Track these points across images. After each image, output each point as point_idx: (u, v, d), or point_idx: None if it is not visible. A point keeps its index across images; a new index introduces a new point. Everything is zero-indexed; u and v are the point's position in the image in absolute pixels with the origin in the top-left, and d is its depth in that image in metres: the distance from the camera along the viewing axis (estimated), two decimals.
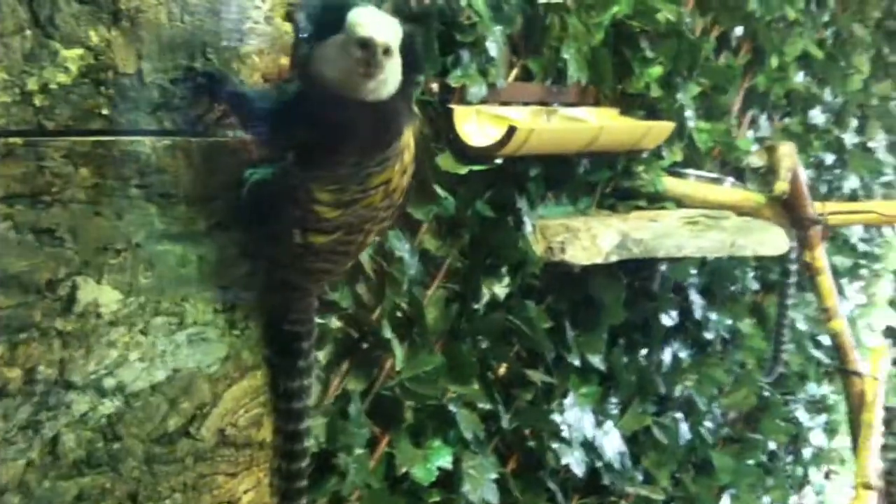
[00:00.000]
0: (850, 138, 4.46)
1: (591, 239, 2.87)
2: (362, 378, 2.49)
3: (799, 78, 4.06)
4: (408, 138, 1.79)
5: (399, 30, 1.68)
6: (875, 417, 3.16)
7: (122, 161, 1.63)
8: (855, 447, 3.29)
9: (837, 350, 3.49)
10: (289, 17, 1.86)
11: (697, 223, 3.09)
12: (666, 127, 3.08)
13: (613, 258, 2.89)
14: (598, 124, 2.87)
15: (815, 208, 3.29)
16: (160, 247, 1.71)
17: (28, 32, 1.50)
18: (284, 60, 1.86)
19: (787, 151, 3.21)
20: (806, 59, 4.06)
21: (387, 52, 1.64)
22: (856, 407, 3.31)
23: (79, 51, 1.56)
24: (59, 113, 1.55)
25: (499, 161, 2.68)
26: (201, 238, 1.77)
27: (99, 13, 1.58)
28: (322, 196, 1.72)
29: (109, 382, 1.66)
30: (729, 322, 3.76)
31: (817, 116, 4.25)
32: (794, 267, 3.44)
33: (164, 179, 1.70)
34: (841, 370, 3.44)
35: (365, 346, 2.49)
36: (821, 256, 3.33)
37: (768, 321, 3.99)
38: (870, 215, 3.46)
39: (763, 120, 3.96)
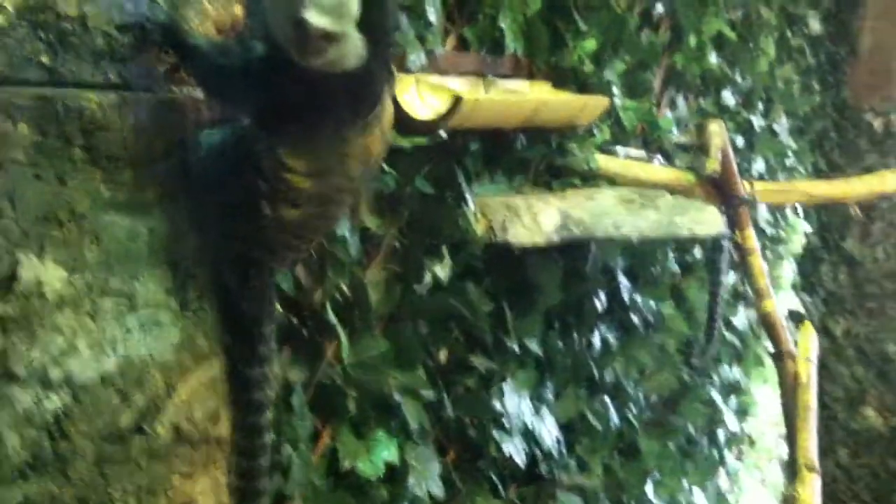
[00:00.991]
0: (757, 121, 4.50)
1: (532, 218, 2.77)
2: (304, 367, 2.31)
3: (713, 58, 4.06)
4: (386, 101, 1.62)
5: (354, 4, 1.44)
6: (812, 398, 3.16)
7: (65, 117, 1.42)
8: (790, 429, 3.28)
9: (769, 331, 3.48)
10: None
11: (633, 202, 3.02)
12: (601, 102, 3.00)
13: (555, 239, 2.79)
14: (539, 98, 2.76)
15: (744, 187, 3.27)
16: (106, 217, 1.49)
17: None
18: (238, 9, 1.66)
19: (717, 130, 3.18)
20: (719, 40, 4.06)
21: (328, 37, 1.43)
22: (789, 388, 3.30)
23: None
24: None
25: (443, 134, 2.53)
26: (151, 208, 1.56)
27: None
28: (293, 163, 1.53)
29: (56, 374, 1.43)
30: (652, 304, 3.71)
31: (728, 98, 4.26)
32: (725, 247, 3.41)
33: (110, 139, 1.48)
34: (774, 352, 3.43)
35: (305, 332, 2.31)
36: (751, 236, 3.31)
37: (687, 303, 3.97)
38: (796, 194, 3.46)
39: (680, 99, 3.93)
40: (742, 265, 3.51)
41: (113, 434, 1.52)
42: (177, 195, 1.58)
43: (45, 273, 1.41)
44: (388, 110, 1.63)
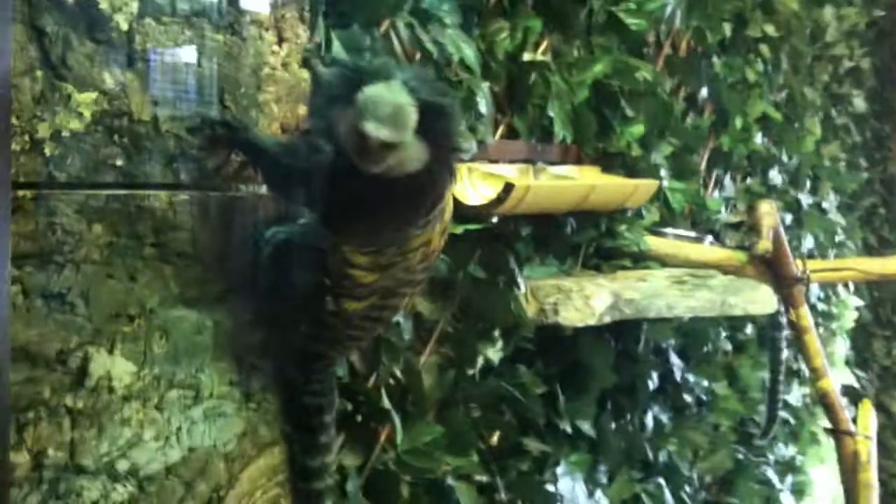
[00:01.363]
0: (805, 199, 4.48)
1: (583, 300, 2.77)
2: (358, 453, 2.32)
3: (759, 139, 4.07)
4: (447, 198, 1.65)
5: (411, 114, 1.50)
6: (872, 476, 3.09)
7: (137, 217, 1.47)
8: None
9: (827, 410, 3.42)
10: (305, 63, 1.72)
11: (685, 283, 3.01)
12: (651, 185, 3.01)
13: (607, 319, 2.78)
14: (590, 182, 2.79)
15: (797, 266, 3.25)
16: (175, 312, 1.53)
17: (39, 73, 1.34)
18: (302, 109, 1.71)
19: (768, 209, 3.17)
20: (764, 121, 4.08)
21: (387, 146, 1.48)
22: (849, 467, 3.23)
23: (92, 94, 1.40)
24: (71, 163, 1.38)
25: (494, 220, 2.56)
26: (217, 302, 1.60)
27: (113, 54, 1.42)
28: (358, 260, 1.57)
29: (122, 465, 1.46)
30: (705, 384, 3.67)
31: (775, 177, 4.26)
32: (783, 324, 3.38)
33: (180, 237, 1.53)
34: (832, 430, 3.37)
35: (359, 417, 2.32)
36: (806, 315, 3.28)
37: (740, 382, 3.92)
38: (850, 272, 3.43)
39: (727, 180, 3.94)
40: (797, 344, 3.47)
41: None
42: (243, 290, 1.61)
43: (114, 367, 1.45)
44: (449, 207, 1.66)
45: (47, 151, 1.35)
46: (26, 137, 1.32)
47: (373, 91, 1.48)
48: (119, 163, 1.44)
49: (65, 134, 1.37)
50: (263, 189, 1.66)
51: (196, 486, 1.57)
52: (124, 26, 1.42)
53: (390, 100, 1.49)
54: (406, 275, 1.62)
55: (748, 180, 4.12)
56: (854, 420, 3.41)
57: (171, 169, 1.52)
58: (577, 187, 2.75)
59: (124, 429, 1.46)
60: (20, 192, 1.31)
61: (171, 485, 1.53)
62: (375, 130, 1.45)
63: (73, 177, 1.38)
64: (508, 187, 2.47)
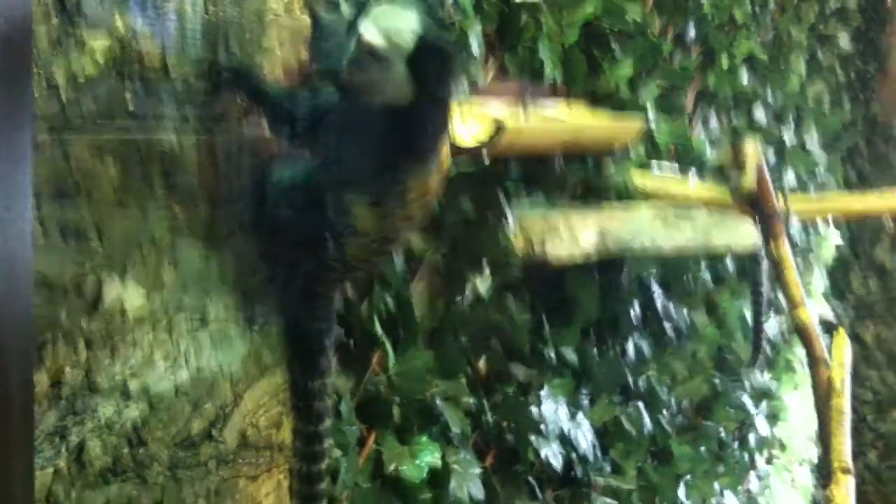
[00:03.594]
0: (789, 136, 4.54)
1: (570, 234, 2.85)
2: (351, 376, 2.42)
3: (745, 78, 4.12)
4: (443, 146, 1.72)
5: (407, 41, 1.55)
6: (845, 403, 3.21)
7: (149, 158, 1.54)
8: (823, 433, 3.33)
9: (803, 339, 3.53)
10: (307, 6, 1.78)
11: (669, 217, 3.09)
12: (636, 124, 3.07)
13: (592, 254, 2.87)
14: (578, 123, 2.85)
15: (778, 201, 3.33)
16: (183, 246, 1.61)
17: (55, 20, 1.40)
18: (304, 54, 1.77)
19: (753, 149, 3.24)
20: (751, 61, 4.12)
21: (372, 53, 1.55)
22: (823, 394, 3.35)
23: (105, 41, 1.46)
24: (87, 107, 1.45)
25: (486, 161, 2.62)
26: (223, 240, 1.68)
27: (125, 2, 1.48)
28: (359, 210, 1.64)
29: (134, 385, 1.56)
30: (685, 313, 3.78)
31: (760, 116, 4.31)
32: (763, 258, 3.48)
33: (188, 178, 1.60)
34: (808, 359, 3.49)
35: (352, 344, 2.41)
36: (785, 248, 3.37)
37: (719, 312, 4.03)
38: (831, 206, 3.51)
39: (713, 118, 3.99)
40: (776, 275, 3.57)
41: (185, 441, 1.64)
42: (247, 231, 1.69)
43: (126, 293, 1.53)
44: (445, 153, 1.73)
45: (63, 96, 1.41)
46: (43, 83, 1.39)
47: (382, 6, 1.56)
48: (131, 107, 1.51)
49: (80, 79, 1.43)
50: (268, 133, 1.72)
51: (203, 405, 1.67)
52: None
53: (392, 17, 1.56)
54: (404, 221, 1.70)
55: (733, 119, 4.17)
56: (829, 349, 3.52)
57: (181, 113, 1.58)
58: (567, 128, 2.81)
59: (136, 350, 1.55)
60: (39, 136, 1.38)
61: (179, 403, 1.63)
62: (366, 31, 1.52)
63: (89, 120, 1.45)
64: (499, 128, 2.53)
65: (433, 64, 1.59)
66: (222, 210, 1.66)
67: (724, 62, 3.87)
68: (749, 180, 3.24)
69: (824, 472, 3.45)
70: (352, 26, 1.57)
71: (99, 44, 1.45)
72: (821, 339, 3.50)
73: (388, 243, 1.76)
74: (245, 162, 1.68)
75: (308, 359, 1.82)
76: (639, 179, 3.24)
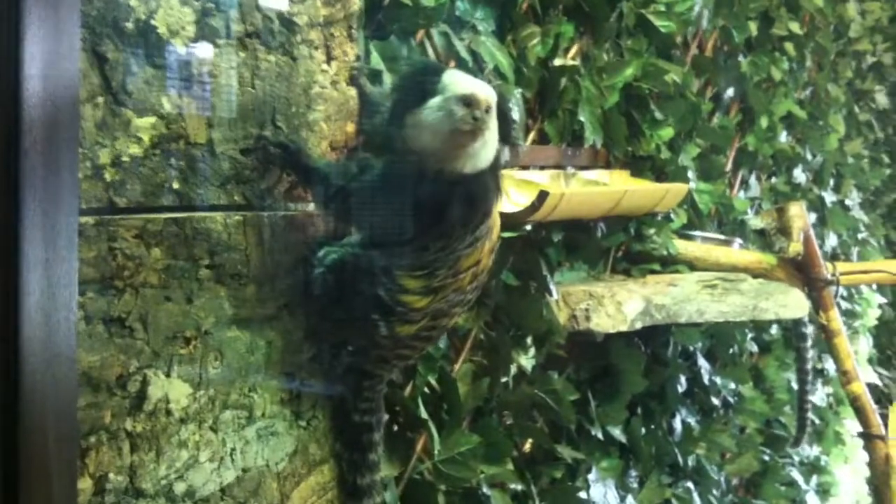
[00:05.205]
0: (828, 196, 4.49)
1: (615, 306, 2.78)
2: (395, 462, 2.33)
3: (783, 137, 4.08)
4: (495, 215, 1.67)
5: (495, 93, 1.55)
6: None
7: (194, 239, 1.48)
8: None
9: (858, 414, 3.43)
10: (353, 81, 1.74)
11: (716, 287, 3.02)
12: (682, 189, 3.02)
13: (638, 325, 2.80)
14: (622, 188, 2.80)
15: (827, 269, 3.26)
16: (229, 333, 1.55)
17: (100, 100, 1.35)
18: (350, 127, 1.73)
19: (798, 212, 3.18)
20: (789, 119, 4.08)
21: (488, 110, 1.51)
22: (881, 472, 3.24)
23: (151, 119, 1.42)
24: (131, 188, 1.40)
25: (527, 227, 2.57)
26: (270, 322, 1.62)
27: (171, 78, 1.43)
28: (409, 284, 1.58)
29: (180, 487, 1.48)
30: (732, 386, 3.69)
31: (799, 175, 4.26)
32: (810, 330, 3.39)
33: (235, 258, 1.55)
34: (864, 434, 3.38)
35: (396, 427, 2.33)
36: (836, 318, 3.29)
37: (766, 382, 3.94)
38: (881, 275, 3.44)
39: (752, 179, 3.95)
40: (828, 347, 3.48)
41: None
42: (294, 309, 1.63)
43: (172, 390, 1.46)
44: (497, 224, 1.68)
45: (108, 177, 1.36)
46: (88, 164, 1.34)
47: (455, 70, 1.53)
48: (176, 186, 1.46)
49: (125, 159, 1.38)
50: (315, 208, 1.67)
51: None
52: (182, 50, 1.44)
53: (472, 80, 1.56)
54: (457, 296, 1.64)
55: (773, 179, 4.13)
56: (885, 423, 3.42)
57: (226, 190, 1.53)
58: (609, 193, 2.76)
59: (181, 451, 1.48)
60: (83, 219, 1.32)
61: None
62: (479, 90, 1.47)
63: (133, 201, 1.40)
64: (543, 195, 2.48)
65: (510, 117, 1.56)
66: (268, 289, 1.60)
67: (764, 121, 3.83)
68: (796, 245, 3.17)
69: None
70: (417, 92, 1.52)
71: (144, 122, 1.40)
72: (876, 413, 3.40)
73: (440, 319, 1.69)
74: (292, 239, 1.63)
75: (357, 453, 1.74)
76: (681, 245, 3.18)
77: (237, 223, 1.54)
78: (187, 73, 1.45)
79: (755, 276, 3.20)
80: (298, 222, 1.65)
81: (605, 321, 2.76)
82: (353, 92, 1.74)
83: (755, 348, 3.91)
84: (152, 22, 1.40)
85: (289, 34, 1.60)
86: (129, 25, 1.37)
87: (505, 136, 1.61)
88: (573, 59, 2.86)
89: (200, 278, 1.50)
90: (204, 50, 1.46)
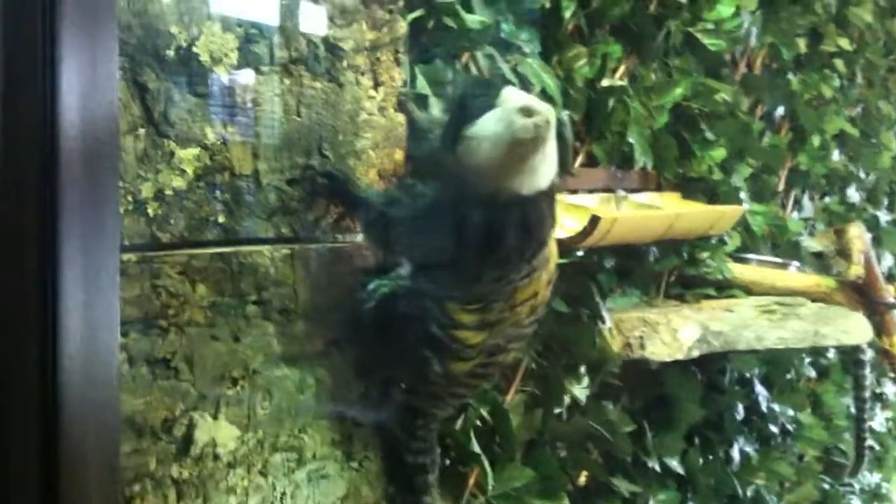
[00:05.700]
0: (883, 216, 4.35)
1: (671, 333, 2.68)
2: (448, 498, 2.24)
3: (835, 156, 3.95)
4: (552, 245, 1.58)
5: (553, 111, 1.46)
6: None
7: (240, 274, 1.41)
8: None
9: None
10: (401, 106, 1.66)
11: (774, 312, 2.91)
12: (736, 211, 2.92)
13: (695, 353, 2.69)
14: (675, 211, 2.70)
15: (889, 292, 3.12)
16: (277, 371, 1.48)
17: (141, 131, 1.29)
18: (399, 155, 1.65)
19: (858, 233, 3.05)
20: (841, 137, 3.96)
21: (548, 123, 1.42)
22: None
23: (194, 150, 1.35)
24: (174, 222, 1.33)
25: (580, 253, 2.49)
26: (319, 358, 1.54)
27: (214, 107, 1.37)
28: (464, 318, 1.49)
29: None
30: (790, 413, 3.56)
31: (853, 194, 4.13)
32: (868, 355, 3.25)
33: (282, 293, 1.47)
34: None
35: (447, 462, 2.25)
36: None
37: (824, 408, 3.80)
38: None
39: (805, 199, 3.82)
40: (891, 373, 3.34)
41: None
42: (344, 345, 1.55)
43: (219, 433, 1.39)
44: (554, 255, 1.59)
45: (150, 212, 1.30)
46: (129, 198, 1.27)
47: (511, 89, 1.46)
48: (221, 219, 1.39)
49: (168, 192, 1.32)
50: (363, 239, 1.59)
51: None
52: (224, 78, 1.37)
53: (530, 98, 1.47)
54: (514, 330, 1.55)
55: (826, 199, 4.00)
56: None
57: (272, 223, 1.46)
58: (662, 217, 2.66)
59: (230, 497, 1.40)
60: (125, 256, 1.25)
61: None
62: (538, 103, 1.39)
63: (177, 236, 1.33)
64: (594, 220, 2.39)
65: (567, 141, 1.48)
66: (317, 325, 1.52)
67: (815, 140, 3.71)
68: (856, 268, 3.05)
69: None
70: (474, 107, 1.44)
71: (187, 153, 1.34)
72: None
73: (496, 356, 1.60)
74: (340, 272, 1.55)
75: (411, 497, 1.65)
76: (736, 269, 3.07)
77: (284, 257, 1.47)
78: (231, 102, 1.38)
79: (814, 301, 3.08)
80: (347, 254, 1.57)
81: (661, 349, 2.66)
82: (400, 118, 1.66)
83: (813, 373, 3.77)
84: (194, 49, 1.34)
85: (334, 59, 1.53)
86: (171, 53, 1.31)
87: (563, 162, 1.51)
88: (620, 79, 2.77)
89: (247, 315, 1.43)
90: (247, 77, 1.39)
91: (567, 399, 2.55)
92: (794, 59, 3.62)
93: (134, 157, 1.27)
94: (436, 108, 1.90)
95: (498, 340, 1.53)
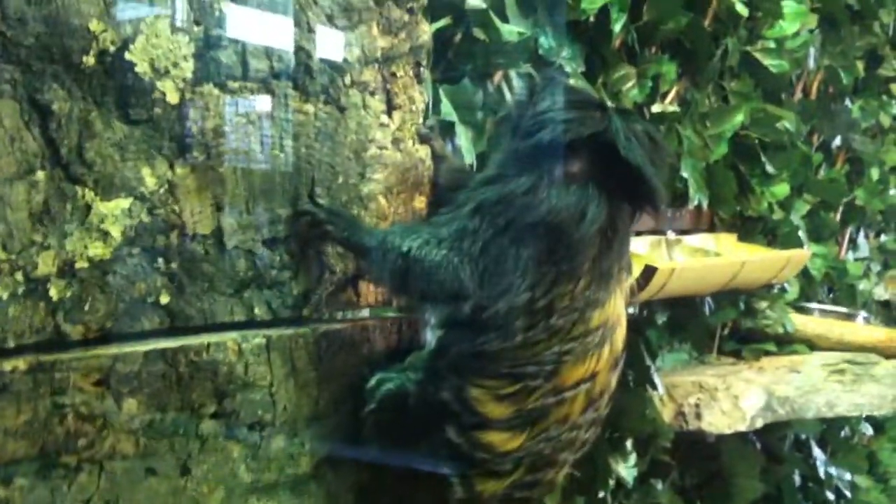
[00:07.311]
0: None
1: (731, 401, 2.22)
2: None
3: (893, 190, 3.48)
4: (620, 307, 1.12)
5: None
6: None
7: (191, 379, 0.94)
8: None
9: None
10: (423, 138, 1.20)
11: (845, 372, 2.44)
12: (802, 257, 2.47)
13: (759, 423, 2.23)
14: (739, 258, 2.24)
15: None
16: None
17: (40, 175, 0.83)
18: (420, 202, 1.18)
19: None
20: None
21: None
22: None
23: (124, 202, 0.89)
24: (91, 309, 0.87)
25: (631, 310, 2.02)
26: (306, 484, 1.07)
27: (156, 139, 0.91)
28: (494, 411, 1.02)
29: None
30: (847, 477, 3.08)
31: None
32: None
33: (254, 399, 1.01)
34: None
35: None
36: None
37: (880, 468, 3.32)
38: None
39: (861, 238, 3.35)
40: None
41: None
42: (339, 464, 1.08)
43: None
44: (622, 322, 1.13)
45: (53, 295, 0.84)
46: (18, 276, 0.81)
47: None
48: (164, 300, 0.93)
49: (81, 265, 0.86)
50: (367, 314, 1.13)
51: None
52: (173, 97, 0.91)
53: None
54: (563, 429, 1.07)
55: (882, 237, 3.53)
56: None
57: (241, 300, 1.00)
58: (726, 266, 2.20)
59: None
60: (6, 364, 0.80)
61: None
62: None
63: (94, 329, 0.87)
64: (650, 271, 1.93)
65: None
66: (304, 439, 1.05)
67: (875, 173, 3.25)
68: None
69: None
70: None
71: (113, 206, 0.88)
72: None
73: (541, 471, 1.12)
74: (336, 364, 1.08)
75: None
76: (799, 321, 2.60)
77: (257, 348, 1.00)
78: (181, 132, 0.92)
79: (887, 358, 2.60)
80: (346, 338, 1.10)
81: (720, 419, 2.22)
82: (422, 153, 1.19)
83: (869, 430, 3.29)
84: (127, 56, 0.88)
85: (333, 74, 1.06)
86: (90, 61, 0.85)
87: None
88: (671, 103, 2.31)
89: (202, 435, 0.96)
90: (208, 97, 0.93)
91: (612, 481, 2.09)
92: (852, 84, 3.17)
93: (27, 213, 0.82)
94: (464, 139, 1.44)
95: (541, 446, 1.06)
